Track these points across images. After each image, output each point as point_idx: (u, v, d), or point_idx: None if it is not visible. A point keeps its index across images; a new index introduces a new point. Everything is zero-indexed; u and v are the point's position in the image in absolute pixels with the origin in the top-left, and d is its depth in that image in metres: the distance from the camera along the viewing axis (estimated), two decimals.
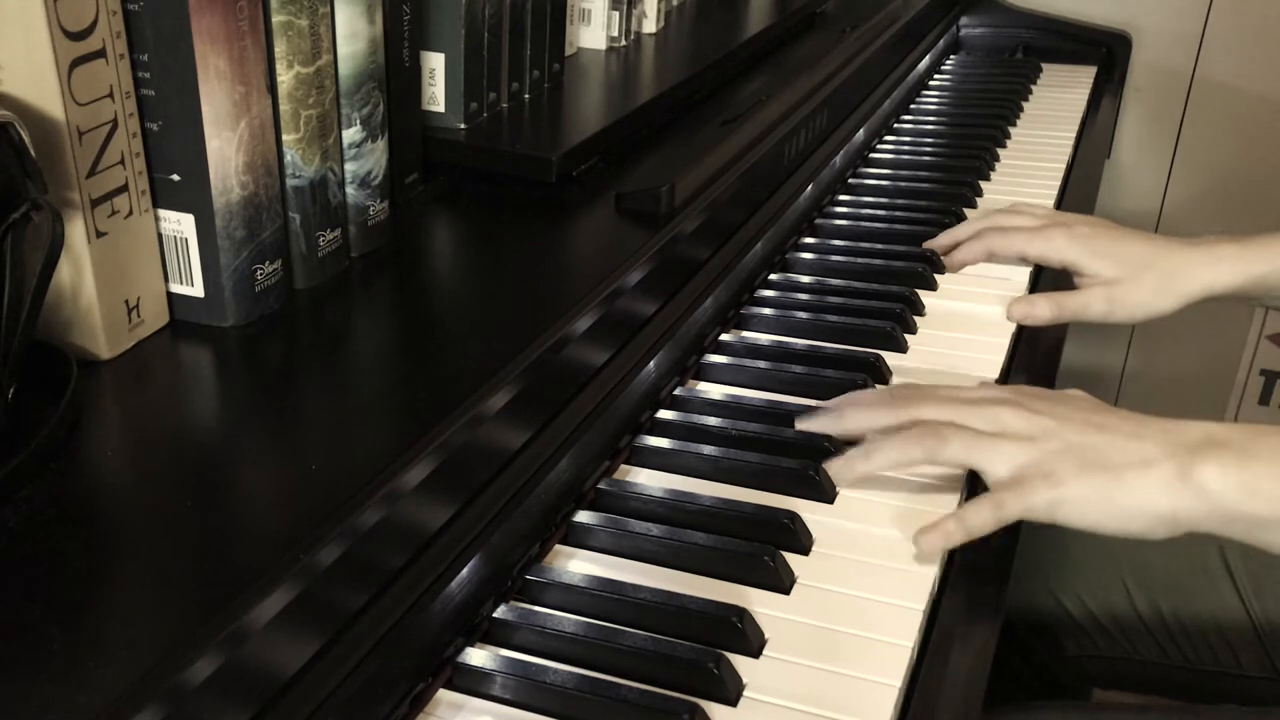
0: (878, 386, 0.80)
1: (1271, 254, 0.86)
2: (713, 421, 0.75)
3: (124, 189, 0.56)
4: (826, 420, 0.73)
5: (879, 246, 1.02)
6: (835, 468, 0.70)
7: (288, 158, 0.62)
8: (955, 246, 0.99)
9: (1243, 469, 0.61)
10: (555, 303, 0.66)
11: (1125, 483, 0.63)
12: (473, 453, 0.56)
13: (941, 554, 0.66)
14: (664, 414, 0.76)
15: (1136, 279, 0.88)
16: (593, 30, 1.05)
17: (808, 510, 0.67)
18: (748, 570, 0.63)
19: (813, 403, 0.78)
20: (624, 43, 1.07)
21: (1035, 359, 0.89)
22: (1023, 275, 0.98)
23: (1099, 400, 0.70)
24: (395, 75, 0.72)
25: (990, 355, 0.86)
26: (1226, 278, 0.87)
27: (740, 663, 0.57)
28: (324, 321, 0.64)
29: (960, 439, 0.66)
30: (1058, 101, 1.49)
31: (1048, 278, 0.99)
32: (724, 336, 0.87)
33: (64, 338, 0.56)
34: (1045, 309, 0.90)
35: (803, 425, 0.74)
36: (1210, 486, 0.61)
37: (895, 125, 1.35)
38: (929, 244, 1.00)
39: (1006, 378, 0.85)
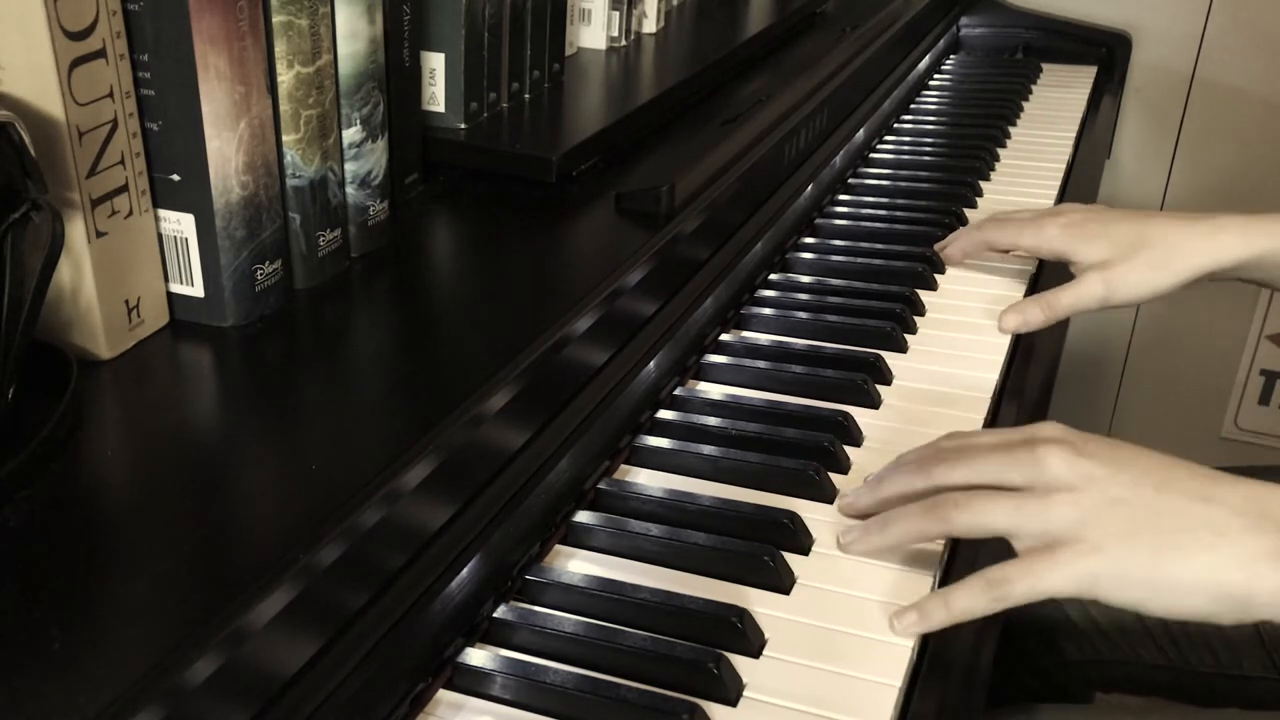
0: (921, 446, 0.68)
1: (1277, 229, 0.81)
2: (713, 421, 0.75)
3: (124, 189, 0.56)
4: (865, 493, 0.67)
5: (879, 246, 1.01)
6: (850, 538, 0.65)
7: (288, 158, 0.62)
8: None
9: None
10: (555, 303, 0.66)
11: (1182, 551, 0.53)
12: (473, 453, 0.56)
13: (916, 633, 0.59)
14: (664, 414, 0.76)
15: (1131, 258, 0.84)
16: (593, 30, 1.05)
17: (808, 510, 0.67)
18: (748, 570, 0.63)
19: (812, 403, 0.78)
20: (624, 43, 1.07)
21: (1035, 360, 0.89)
22: (1022, 278, 0.98)
23: (1169, 455, 0.59)
24: (395, 75, 0.72)
25: (990, 355, 0.86)
26: (1229, 252, 0.82)
27: (740, 663, 0.57)
28: (324, 321, 0.64)
29: (973, 506, 0.59)
30: (1058, 101, 1.49)
31: (1046, 280, 0.98)
32: (724, 336, 0.87)
33: (64, 338, 0.56)
34: (1037, 313, 0.88)
35: (842, 505, 0.68)
36: None
37: (895, 125, 1.35)
38: (937, 247, 1.00)
39: (1007, 378, 0.85)
